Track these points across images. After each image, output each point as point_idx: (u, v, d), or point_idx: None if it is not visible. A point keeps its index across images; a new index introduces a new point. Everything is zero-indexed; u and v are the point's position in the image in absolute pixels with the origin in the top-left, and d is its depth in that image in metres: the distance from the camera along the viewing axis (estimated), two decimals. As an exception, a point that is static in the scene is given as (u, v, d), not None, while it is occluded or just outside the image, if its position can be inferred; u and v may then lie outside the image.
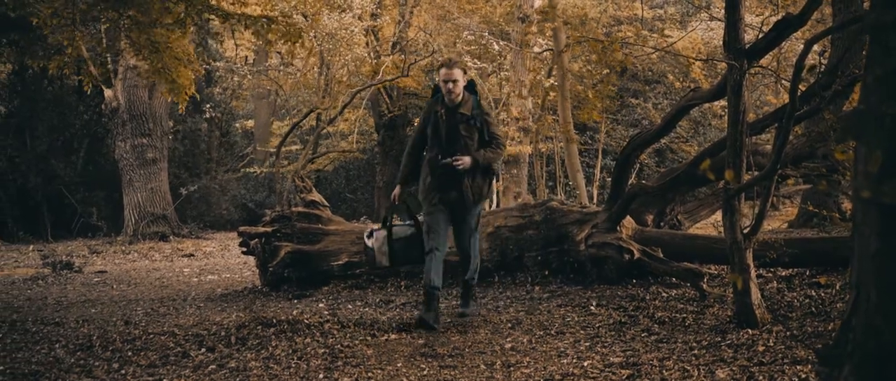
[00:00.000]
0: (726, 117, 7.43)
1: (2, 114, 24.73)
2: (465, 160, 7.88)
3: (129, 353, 7.23)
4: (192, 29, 12.41)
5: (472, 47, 24.24)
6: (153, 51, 12.03)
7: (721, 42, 9.33)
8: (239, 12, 12.42)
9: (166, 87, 12.97)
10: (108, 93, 21.92)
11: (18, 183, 23.49)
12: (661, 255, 9.52)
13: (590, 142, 26.24)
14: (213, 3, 12.19)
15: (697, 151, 21.84)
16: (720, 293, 8.53)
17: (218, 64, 27.40)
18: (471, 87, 8.16)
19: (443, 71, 7.97)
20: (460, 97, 7.99)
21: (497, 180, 8.95)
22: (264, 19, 12.15)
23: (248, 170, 29.97)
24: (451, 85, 7.93)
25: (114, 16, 11.67)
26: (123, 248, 19.62)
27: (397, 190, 8.29)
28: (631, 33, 21.71)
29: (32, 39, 19.07)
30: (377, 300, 9.63)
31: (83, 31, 13.72)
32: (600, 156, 24.85)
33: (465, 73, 8.10)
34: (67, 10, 12.02)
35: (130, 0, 11.06)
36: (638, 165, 22.01)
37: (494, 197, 20.00)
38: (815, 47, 8.99)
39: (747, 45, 7.08)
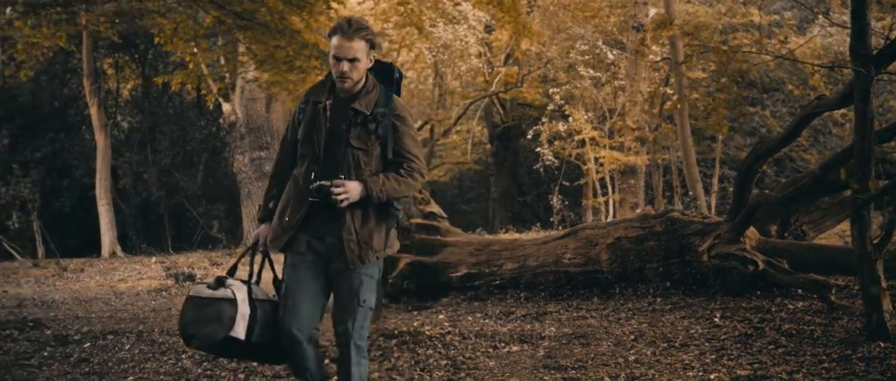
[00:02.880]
0: (849, 125, 7.25)
1: (125, 129, 25.48)
2: (351, 188, 4.76)
3: (254, 363, 7.36)
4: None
5: (586, 57, 24.13)
6: (273, 63, 12.27)
7: (841, 48, 9.09)
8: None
9: (288, 97, 13.19)
10: (226, 107, 22.41)
11: (142, 196, 24.17)
12: (787, 266, 9.33)
13: (707, 151, 25.86)
14: (316, 37, 12.42)
15: (818, 159, 21.37)
16: (848, 305, 8.33)
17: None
18: (385, 73, 5.14)
19: (334, 40, 4.85)
20: (360, 85, 4.94)
21: (397, 225, 5.16)
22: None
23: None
24: (344, 65, 4.81)
25: (238, 32, 11.96)
26: (243, 260, 19.98)
27: (261, 229, 5.17)
28: (747, 40, 21.35)
29: (155, 56, 19.66)
30: (497, 312, 9.63)
31: (202, 47, 14.08)
32: (718, 165, 24.47)
33: (372, 47, 4.94)
34: (189, 27, 12.36)
35: (250, 24, 11.31)
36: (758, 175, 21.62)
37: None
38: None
39: (874, 51, 6.91)
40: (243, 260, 5.34)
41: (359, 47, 4.79)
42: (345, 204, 4.73)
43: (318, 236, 4.88)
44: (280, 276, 5.06)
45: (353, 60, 4.81)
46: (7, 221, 22.82)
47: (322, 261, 4.91)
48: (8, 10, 21.10)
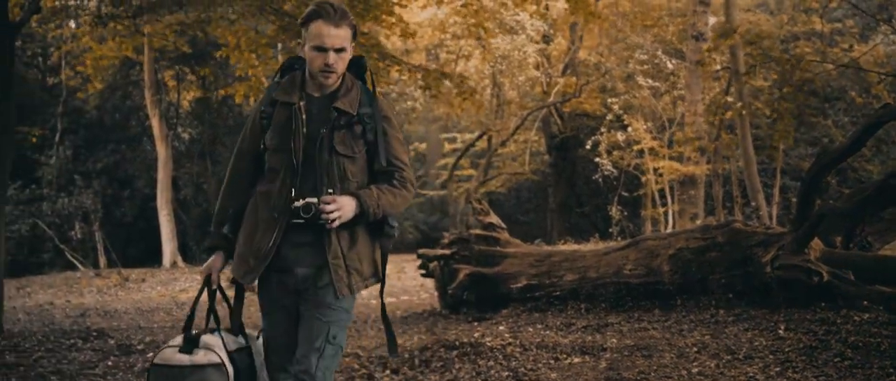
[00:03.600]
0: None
1: (185, 140, 25.80)
2: (344, 204, 3.98)
3: (319, 373, 7.39)
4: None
5: (645, 66, 24.01)
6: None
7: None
8: (414, 63, 12.72)
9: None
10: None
11: (202, 206, 24.45)
12: (852, 277, 9.20)
13: (767, 161, 25.58)
14: (388, 46, 12.53)
15: (881, 169, 21.05)
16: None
17: (392, 87, 27.94)
18: (358, 67, 4.33)
19: (315, 27, 4.04)
20: (339, 81, 4.20)
21: (389, 244, 4.34)
22: (438, 74, 12.39)
23: (420, 192, 30.38)
24: (330, 56, 4.04)
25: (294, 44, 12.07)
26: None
27: (214, 261, 4.27)
28: (809, 49, 21.12)
29: (216, 67, 19.88)
30: (558, 323, 9.60)
31: (267, 56, 14.26)
32: (779, 175, 24.20)
33: (355, 35, 4.22)
34: (251, 38, 12.49)
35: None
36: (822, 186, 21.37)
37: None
38: None
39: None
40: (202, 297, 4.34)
41: (346, 35, 4.06)
42: (336, 224, 3.95)
43: (286, 268, 4.10)
44: (240, 313, 4.29)
45: (339, 50, 4.06)
46: (70, 231, 23.22)
47: (293, 297, 4.15)
48: (72, 23, 21.50)
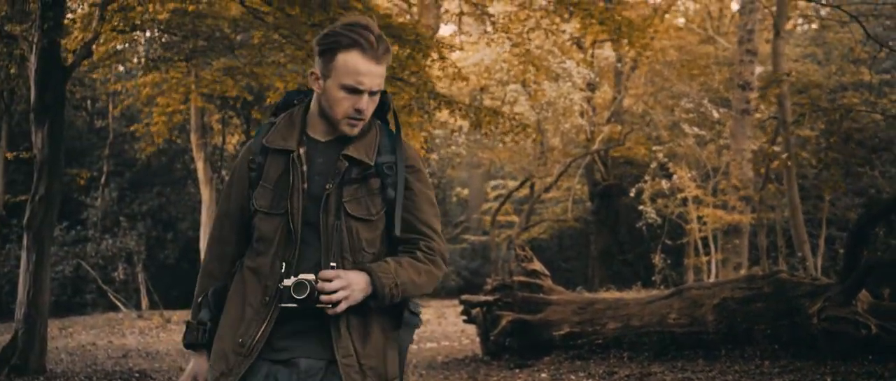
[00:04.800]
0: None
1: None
2: (352, 281, 3.01)
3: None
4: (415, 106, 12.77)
5: (691, 115, 23.95)
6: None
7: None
8: (466, 104, 12.77)
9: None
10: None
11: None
12: (901, 331, 9.08)
13: (813, 212, 25.35)
14: (436, 87, 12.59)
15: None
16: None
17: (437, 132, 28.05)
18: (380, 106, 3.27)
19: (349, 59, 3.05)
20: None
21: (410, 339, 3.29)
22: (491, 112, 12.43)
23: (464, 237, 30.39)
24: (364, 101, 3.09)
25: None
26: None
27: (196, 364, 3.29)
28: (856, 99, 20.98)
29: (261, 111, 20.09)
30: (600, 372, 9.53)
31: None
32: (825, 226, 23.96)
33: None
34: (299, 84, 12.60)
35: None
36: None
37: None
38: None
39: None
40: None
41: (384, 73, 3.12)
42: (342, 308, 2.99)
43: (285, 360, 3.10)
44: None
45: (375, 94, 3.11)
46: (113, 272, 23.41)
47: None
48: (121, 66, 21.80)
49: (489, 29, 18.41)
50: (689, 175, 23.83)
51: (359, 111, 3.07)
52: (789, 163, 15.79)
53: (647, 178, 24.53)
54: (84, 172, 22.42)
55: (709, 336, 10.10)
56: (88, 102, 26.09)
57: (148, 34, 14.51)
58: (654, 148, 24.49)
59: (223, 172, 26.66)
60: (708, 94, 25.34)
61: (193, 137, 23.02)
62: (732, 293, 10.29)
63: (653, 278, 24.65)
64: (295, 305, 2.97)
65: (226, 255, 3.30)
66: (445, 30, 32.12)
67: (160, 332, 17.23)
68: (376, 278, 3.02)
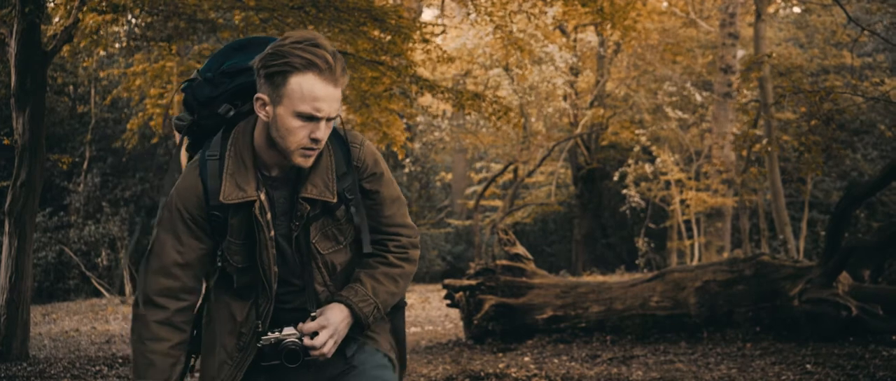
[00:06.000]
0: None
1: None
2: (333, 323, 2.93)
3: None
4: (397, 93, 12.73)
5: (673, 98, 23.99)
6: (363, 104, 12.40)
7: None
8: (450, 87, 12.75)
9: (378, 139, 13.34)
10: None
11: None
12: (881, 312, 9.13)
13: (795, 194, 25.44)
14: (418, 71, 12.55)
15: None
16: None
17: (419, 118, 28.03)
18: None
19: (303, 81, 2.72)
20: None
21: (403, 322, 3.29)
22: (472, 95, 12.42)
23: (448, 221, 30.40)
24: (321, 130, 2.78)
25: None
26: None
27: None
28: (839, 83, 21.05)
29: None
30: (583, 355, 9.56)
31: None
32: (807, 209, 24.06)
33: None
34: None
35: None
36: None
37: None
38: None
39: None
40: None
41: (340, 96, 2.80)
42: (330, 354, 2.90)
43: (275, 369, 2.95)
44: None
45: (330, 120, 2.80)
46: (96, 258, 23.31)
47: None
48: (102, 51, 21.69)
49: (472, 13, 18.37)
50: (672, 159, 23.90)
51: (315, 141, 2.76)
52: (769, 147, 15.84)
53: (630, 161, 24.58)
54: (66, 157, 22.30)
55: (691, 319, 10.14)
56: (70, 87, 25.91)
57: (129, 17, 14.41)
58: (637, 132, 24.53)
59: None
60: (690, 77, 25.41)
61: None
62: (714, 276, 10.33)
63: (636, 262, 24.73)
64: (274, 363, 2.87)
65: (182, 304, 2.92)
66: (428, 13, 32.03)
67: (143, 318, 17.17)
68: (357, 309, 2.93)
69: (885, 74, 24.72)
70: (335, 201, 2.89)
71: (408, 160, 27.89)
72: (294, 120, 2.72)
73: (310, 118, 2.72)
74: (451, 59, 13.21)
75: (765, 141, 16.52)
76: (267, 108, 2.76)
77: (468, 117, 28.69)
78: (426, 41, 11.83)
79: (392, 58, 11.60)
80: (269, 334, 2.85)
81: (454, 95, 12.52)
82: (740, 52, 21.73)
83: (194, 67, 14.98)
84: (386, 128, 12.70)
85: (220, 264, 2.94)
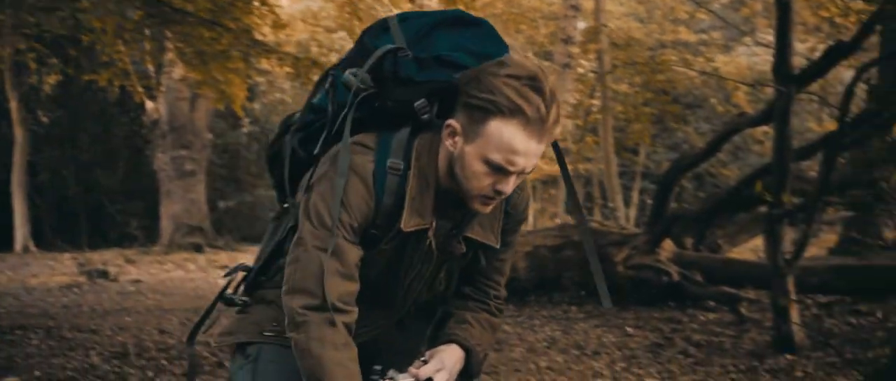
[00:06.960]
0: (769, 142, 7.37)
1: (44, 124, 25.04)
2: (449, 367, 2.47)
3: (164, 362, 7.22)
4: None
5: (515, 67, 24.24)
6: (202, 62, 12.09)
7: (766, 67, 9.25)
8: (284, 51, 12.55)
9: (215, 96, 13.06)
10: (149, 104, 22.11)
11: (59, 192, 23.75)
12: (700, 278, 9.45)
13: (628, 164, 26.13)
14: (258, 36, 12.32)
15: (737, 175, 21.70)
16: (758, 318, 8.44)
17: (260, 79, 27.58)
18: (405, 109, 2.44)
19: (505, 129, 2.21)
20: None
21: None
22: (310, 62, 12.28)
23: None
24: (510, 184, 2.30)
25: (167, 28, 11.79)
26: (158, 258, 19.71)
27: None
28: (674, 57, 21.64)
29: (80, 51, 19.35)
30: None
31: (132, 46, 13.86)
32: (639, 178, 24.75)
33: None
34: (116, 24, 12.15)
35: (179, 20, 11.14)
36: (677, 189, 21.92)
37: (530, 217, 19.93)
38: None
39: (797, 71, 7.03)
40: None
41: (542, 151, 2.31)
42: None
43: None
44: None
45: (523, 174, 2.33)
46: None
47: None
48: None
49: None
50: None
51: (499, 193, 2.31)
52: (599, 115, 16.24)
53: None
54: None
55: (521, 282, 10.28)
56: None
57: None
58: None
59: (39, 113, 25.61)
60: (533, 47, 25.70)
61: (7, 76, 22.01)
62: (544, 241, 10.51)
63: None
64: None
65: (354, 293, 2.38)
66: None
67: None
68: (474, 353, 2.54)
69: (719, 50, 25.57)
70: (498, 246, 2.53)
71: (246, 121, 27.42)
72: (481, 165, 2.27)
73: (499, 169, 2.26)
74: (283, 25, 13.00)
75: (598, 110, 16.91)
76: (456, 138, 2.31)
77: (304, 82, 28.40)
78: (264, 3, 11.60)
79: (230, 20, 11.33)
80: (386, 376, 2.38)
81: (292, 61, 12.32)
82: (581, 25, 22.07)
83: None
84: (225, 86, 12.40)
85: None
